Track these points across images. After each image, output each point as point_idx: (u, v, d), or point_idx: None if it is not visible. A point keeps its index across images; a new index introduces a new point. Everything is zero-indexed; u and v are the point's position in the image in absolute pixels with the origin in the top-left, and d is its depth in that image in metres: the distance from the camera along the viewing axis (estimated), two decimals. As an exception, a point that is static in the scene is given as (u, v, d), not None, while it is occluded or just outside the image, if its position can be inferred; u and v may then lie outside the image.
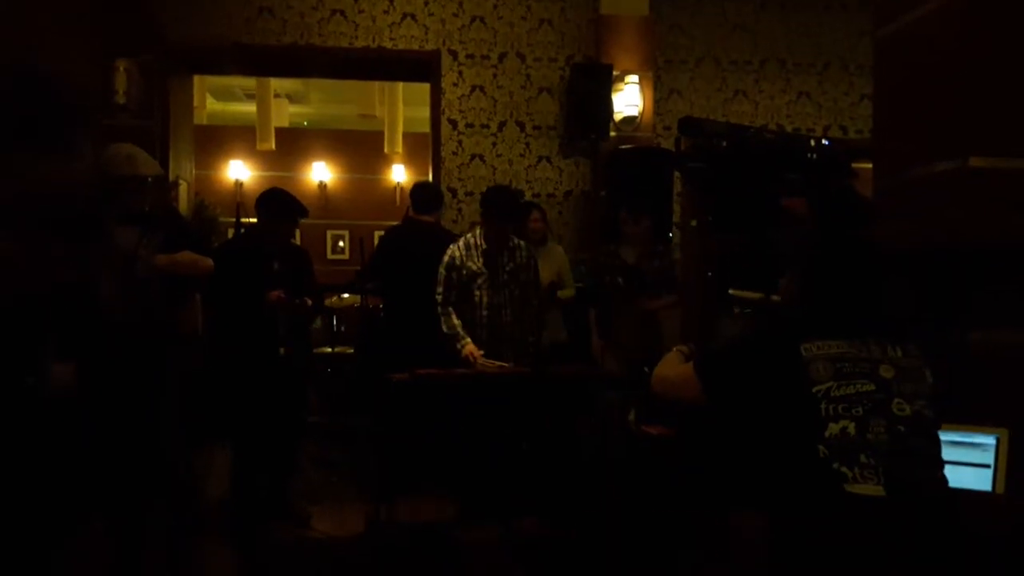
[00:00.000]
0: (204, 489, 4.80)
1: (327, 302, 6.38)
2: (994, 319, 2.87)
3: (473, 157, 7.80)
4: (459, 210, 7.70)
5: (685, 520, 3.74)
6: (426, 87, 8.12)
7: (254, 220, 4.95)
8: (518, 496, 5.11)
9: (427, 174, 8.48)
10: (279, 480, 4.86)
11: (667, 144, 7.67)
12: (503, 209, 4.96)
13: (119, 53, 6.91)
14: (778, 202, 4.31)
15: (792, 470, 2.08)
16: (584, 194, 7.87)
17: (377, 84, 11.80)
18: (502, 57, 7.83)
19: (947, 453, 2.20)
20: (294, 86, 12.81)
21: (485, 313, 5.00)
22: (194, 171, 8.45)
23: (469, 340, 4.92)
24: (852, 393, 2.05)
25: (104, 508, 4.17)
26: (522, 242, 5.26)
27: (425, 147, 8.91)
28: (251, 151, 12.02)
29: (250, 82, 12.01)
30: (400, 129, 12.07)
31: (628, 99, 7.42)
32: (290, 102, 13.38)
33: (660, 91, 7.98)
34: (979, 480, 2.62)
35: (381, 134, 12.09)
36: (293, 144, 12.36)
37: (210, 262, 4.16)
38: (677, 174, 7.02)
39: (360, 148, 12.49)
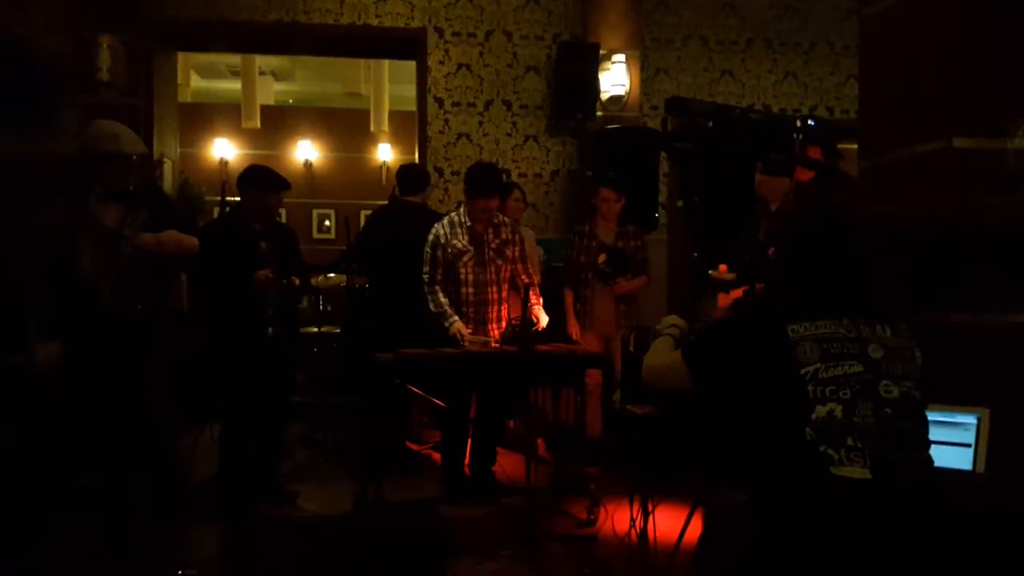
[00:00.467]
0: (192, 468, 4.80)
1: (313, 281, 6.36)
2: (976, 299, 2.90)
3: (460, 136, 7.78)
4: (446, 190, 7.70)
5: (667, 496, 3.77)
6: (412, 64, 8.09)
7: (239, 199, 4.92)
8: (504, 471, 5.16)
9: (413, 153, 8.47)
10: (267, 460, 4.87)
11: (654, 124, 7.68)
12: (487, 184, 4.96)
13: (103, 29, 6.85)
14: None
15: (778, 452, 2.07)
16: (571, 173, 7.87)
17: (363, 62, 11.77)
18: (488, 35, 7.80)
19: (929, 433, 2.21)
20: (279, 63, 12.76)
21: (471, 290, 5.01)
22: (179, 149, 8.41)
23: (457, 318, 4.92)
24: (840, 375, 2.03)
25: (92, 487, 4.17)
26: (507, 218, 5.26)
27: (411, 126, 8.89)
28: (236, 129, 11.97)
29: (235, 59, 11.96)
30: (386, 107, 12.04)
31: (615, 78, 7.41)
32: (275, 80, 13.32)
33: (647, 70, 7.97)
34: (960, 459, 2.65)
35: (367, 112, 12.06)
36: (278, 122, 12.31)
37: (195, 241, 4.14)
38: (663, 154, 7.05)
39: (346, 126, 12.44)
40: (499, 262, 5.06)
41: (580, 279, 5.71)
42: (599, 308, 5.65)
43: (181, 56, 9.58)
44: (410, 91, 8.79)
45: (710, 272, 4.17)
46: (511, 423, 5.51)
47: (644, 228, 6.09)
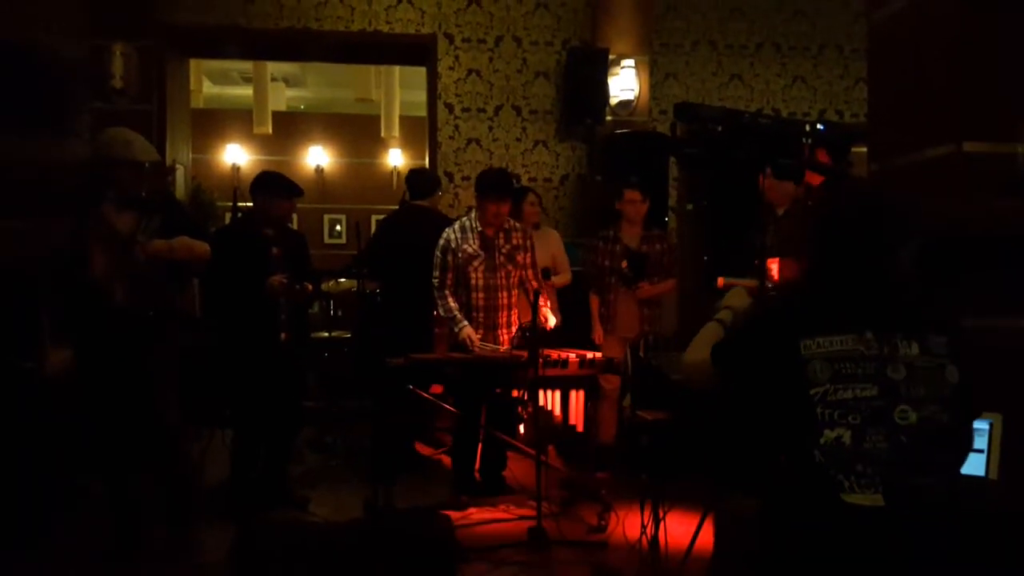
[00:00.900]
0: (203, 473, 4.81)
1: (324, 286, 6.38)
2: (987, 304, 2.89)
3: (470, 141, 7.79)
4: (456, 195, 7.71)
5: (678, 502, 3.77)
6: (423, 71, 8.11)
7: (251, 204, 4.94)
8: (515, 476, 5.16)
9: (424, 158, 8.49)
10: (277, 465, 4.88)
11: (663, 128, 7.68)
12: (497, 189, 4.97)
13: (116, 36, 6.90)
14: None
15: (789, 471, 1.99)
16: (580, 178, 7.88)
17: (374, 68, 11.78)
18: (498, 41, 7.81)
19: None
20: (291, 70, 12.79)
21: (482, 295, 5.02)
22: (191, 155, 8.44)
23: (466, 323, 4.93)
24: (849, 398, 1.89)
25: (104, 490, 4.20)
26: (518, 224, 5.26)
27: (422, 131, 8.90)
28: (248, 135, 12.00)
29: (247, 65, 11.99)
30: (397, 113, 12.05)
31: (624, 83, 7.41)
32: (287, 86, 13.36)
33: (656, 75, 7.97)
34: (973, 466, 2.63)
35: (378, 118, 12.08)
36: (290, 128, 12.35)
37: (206, 247, 4.16)
38: (673, 159, 7.04)
39: (357, 132, 12.47)
40: (509, 267, 5.07)
41: (605, 284, 5.70)
42: (622, 312, 5.63)
43: (193, 63, 9.62)
44: (421, 97, 8.81)
45: (721, 279, 4.16)
46: (522, 428, 5.51)
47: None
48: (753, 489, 2.29)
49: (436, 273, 5.05)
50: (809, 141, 3.50)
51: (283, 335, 4.76)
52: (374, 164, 12.52)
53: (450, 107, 7.78)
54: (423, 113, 8.46)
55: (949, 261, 2.97)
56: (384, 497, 4.37)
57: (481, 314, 5.02)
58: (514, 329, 5.17)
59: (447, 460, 5.74)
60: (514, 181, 5.93)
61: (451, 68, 7.77)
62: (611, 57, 7.41)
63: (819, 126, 3.50)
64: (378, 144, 12.38)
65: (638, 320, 5.61)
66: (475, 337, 4.89)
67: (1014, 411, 2.62)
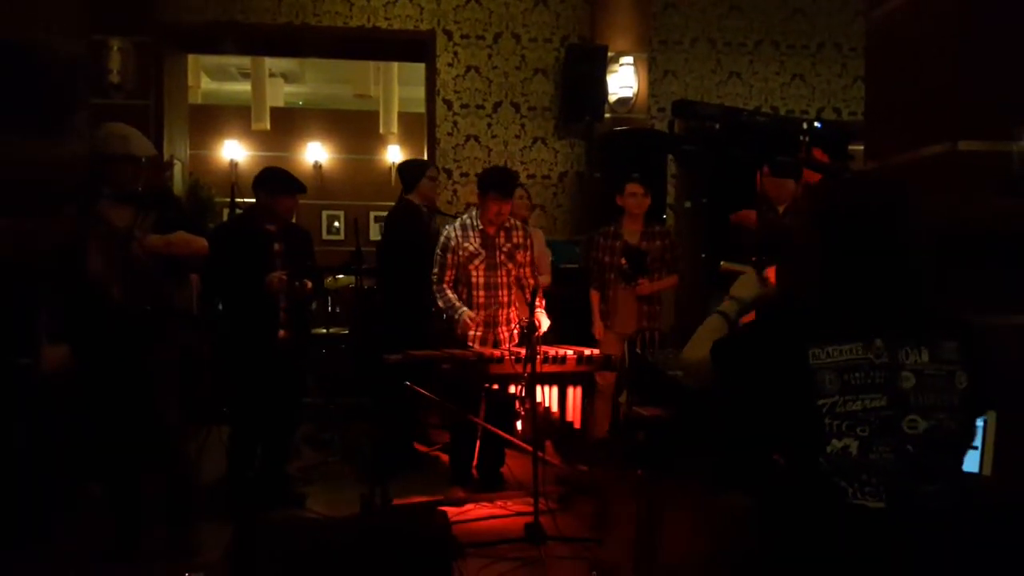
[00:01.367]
0: (200, 470, 4.81)
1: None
2: (982, 302, 2.89)
3: (468, 138, 7.80)
4: (454, 191, 7.72)
5: (674, 498, 3.77)
6: (422, 67, 8.11)
7: (250, 200, 4.93)
8: (512, 472, 5.16)
9: (423, 155, 8.48)
10: (275, 462, 4.88)
11: (661, 125, 7.69)
12: (501, 187, 4.97)
13: (113, 32, 6.89)
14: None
15: (792, 475, 1.98)
16: (579, 175, 7.89)
17: (372, 64, 11.77)
18: (497, 38, 7.81)
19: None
20: (289, 66, 12.78)
21: (482, 293, 5.02)
22: (188, 151, 8.44)
23: (465, 308, 4.94)
24: (859, 410, 1.86)
25: (102, 487, 4.20)
26: (519, 222, 5.27)
27: (420, 127, 8.91)
28: (246, 131, 11.99)
29: (245, 61, 11.98)
30: (395, 109, 12.04)
31: (623, 80, 7.42)
32: (285, 82, 13.35)
33: (655, 72, 7.98)
34: (968, 462, 2.63)
35: (376, 114, 12.06)
36: (288, 124, 12.33)
37: (204, 242, 4.15)
38: (671, 156, 7.04)
39: (355, 128, 12.45)
40: (510, 265, 5.08)
41: (605, 279, 5.70)
42: (621, 309, 5.63)
43: (191, 58, 9.62)
44: (419, 93, 8.82)
45: (722, 263, 4.15)
46: (519, 424, 5.52)
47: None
48: (749, 487, 2.29)
49: (435, 270, 5.06)
50: (806, 139, 3.50)
51: (282, 333, 4.76)
52: (373, 160, 12.50)
53: (449, 103, 7.78)
54: (422, 109, 8.47)
55: (948, 260, 2.98)
56: (381, 493, 4.37)
57: (481, 312, 5.03)
58: (513, 326, 5.18)
59: (444, 457, 5.75)
60: (516, 178, 5.93)
61: (450, 64, 7.77)
62: (610, 54, 7.42)
63: (816, 124, 3.51)
64: (377, 140, 12.37)
65: (637, 316, 5.61)
66: (475, 317, 4.91)
67: (1008, 408, 2.63)
